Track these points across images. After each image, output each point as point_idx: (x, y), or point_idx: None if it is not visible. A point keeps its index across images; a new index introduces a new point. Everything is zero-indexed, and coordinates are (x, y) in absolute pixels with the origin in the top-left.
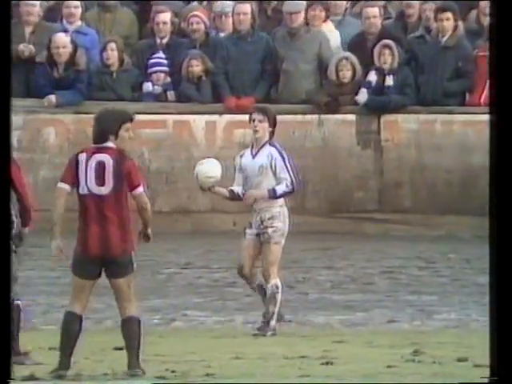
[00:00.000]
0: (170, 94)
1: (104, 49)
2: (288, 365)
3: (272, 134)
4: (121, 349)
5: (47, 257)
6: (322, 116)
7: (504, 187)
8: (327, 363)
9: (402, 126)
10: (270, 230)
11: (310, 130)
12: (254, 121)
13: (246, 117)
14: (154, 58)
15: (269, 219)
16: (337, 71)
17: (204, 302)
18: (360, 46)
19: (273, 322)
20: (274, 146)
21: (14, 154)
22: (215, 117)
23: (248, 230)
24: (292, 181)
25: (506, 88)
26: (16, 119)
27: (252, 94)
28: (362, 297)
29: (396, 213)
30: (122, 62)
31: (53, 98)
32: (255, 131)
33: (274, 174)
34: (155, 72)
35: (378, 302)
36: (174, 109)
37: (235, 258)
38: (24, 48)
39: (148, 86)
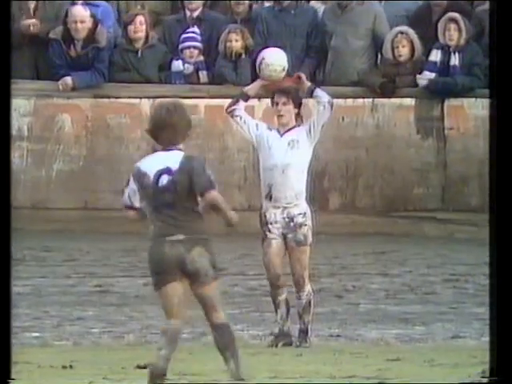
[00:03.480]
0: (203, 75)
1: (131, 22)
2: None
3: (298, 115)
4: (144, 367)
5: (61, 262)
6: (376, 100)
7: (505, 184)
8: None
9: (469, 112)
10: (305, 229)
11: (361, 116)
12: (277, 104)
13: None
14: (187, 32)
15: (300, 216)
16: (392, 48)
17: (239, 314)
18: (424, 19)
19: (310, 333)
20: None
21: (24, 144)
22: (253, 101)
23: (272, 234)
24: (330, 103)
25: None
26: (26, 104)
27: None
28: (422, 308)
29: (461, 212)
30: (148, 38)
31: (69, 79)
32: (280, 116)
33: (309, 135)
34: (188, 48)
35: (440, 314)
36: (207, 92)
37: None
38: (28, 23)
39: (178, 65)
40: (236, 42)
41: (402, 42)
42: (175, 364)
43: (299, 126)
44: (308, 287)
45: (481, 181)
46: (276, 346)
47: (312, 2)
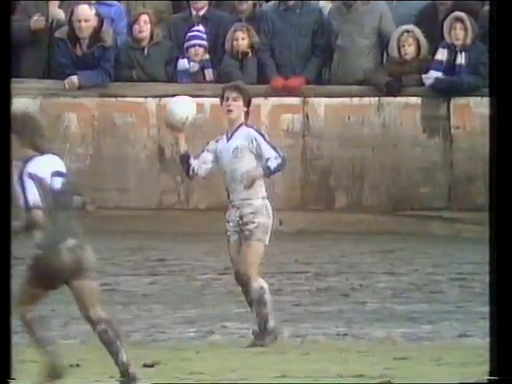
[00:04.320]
0: (208, 73)
1: (136, 21)
2: None
3: (247, 114)
4: (151, 366)
5: None
6: (382, 99)
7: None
8: (388, 383)
9: (475, 111)
10: (251, 226)
11: (367, 114)
12: (227, 99)
13: (294, 100)
14: (193, 30)
15: (250, 214)
16: (398, 47)
17: (246, 313)
18: (430, 18)
19: (270, 324)
20: (251, 126)
21: None
22: (259, 100)
23: (229, 232)
24: (279, 155)
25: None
26: (33, 103)
27: (301, 73)
28: (429, 307)
29: (468, 211)
30: (153, 37)
31: (75, 78)
32: (229, 111)
33: (256, 155)
34: (193, 46)
35: (447, 313)
36: (212, 90)
37: (280, 262)
38: (36, 20)
39: (184, 63)
40: (242, 40)
41: (408, 41)
42: (182, 363)
43: (247, 127)
44: (257, 283)
45: (487, 180)
46: (276, 334)
47: (317, 1)
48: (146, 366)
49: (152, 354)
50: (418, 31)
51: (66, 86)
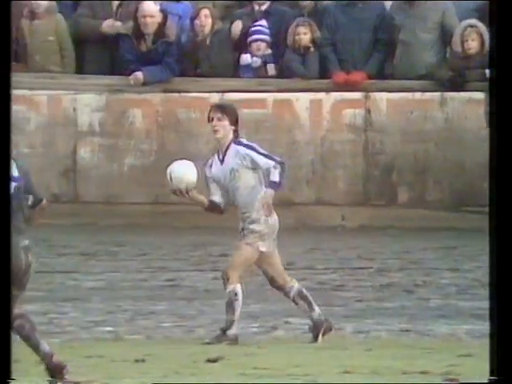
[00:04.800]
0: (270, 68)
1: (197, 16)
2: (407, 381)
3: (236, 132)
4: (214, 361)
5: (132, 256)
6: (445, 93)
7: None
8: (452, 380)
9: None
10: (245, 231)
11: (430, 109)
12: (212, 120)
13: (356, 95)
14: (255, 25)
15: (249, 223)
16: (462, 42)
17: None
18: None
19: (231, 331)
20: (239, 143)
21: (95, 139)
22: (321, 95)
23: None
24: (276, 162)
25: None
26: (99, 99)
27: (363, 68)
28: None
29: None
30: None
31: (140, 74)
32: (215, 131)
33: (253, 170)
34: (255, 41)
35: None
36: (275, 86)
37: (343, 258)
38: (109, 27)
39: (246, 58)
40: (304, 35)
41: (472, 36)
42: (245, 358)
43: (235, 145)
44: (232, 287)
45: None
46: (316, 339)
47: None
48: (209, 361)
49: (215, 350)
50: (481, 26)
51: (131, 81)
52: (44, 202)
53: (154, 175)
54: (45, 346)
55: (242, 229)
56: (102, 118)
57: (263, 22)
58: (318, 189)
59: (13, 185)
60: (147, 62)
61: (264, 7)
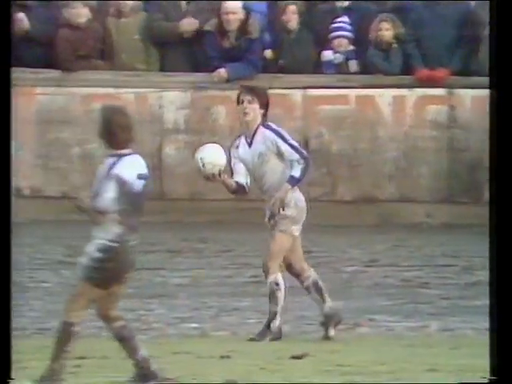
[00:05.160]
0: (352, 64)
1: (283, 12)
2: (491, 380)
3: (265, 116)
4: (299, 357)
5: (217, 253)
6: None
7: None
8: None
9: None
10: (277, 217)
11: None
12: (242, 102)
13: (440, 91)
14: (337, 21)
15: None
16: None
17: (393, 305)
18: None
19: (275, 324)
20: (268, 127)
21: (180, 137)
22: (404, 91)
23: (267, 224)
24: (301, 156)
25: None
26: (184, 97)
27: (447, 64)
28: None
29: None
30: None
31: (223, 71)
32: (245, 114)
33: (279, 157)
34: (337, 37)
35: None
36: (357, 82)
37: (427, 255)
38: (189, 25)
39: (328, 54)
40: (387, 31)
41: None
42: (330, 355)
43: (264, 128)
44: (273, 277)
45: None
46: (328, 335)
47: None
48: (294, 357)
49: (301, 346)
50: None
51: (215, 78)
52: None
53: None
54: (144, 351)
55: (272, 215)
56: (187, 115)
57: (345, 19)
58: (401, 185)
59: (141, 182)
60: (230, 59)
61: (346, 3)
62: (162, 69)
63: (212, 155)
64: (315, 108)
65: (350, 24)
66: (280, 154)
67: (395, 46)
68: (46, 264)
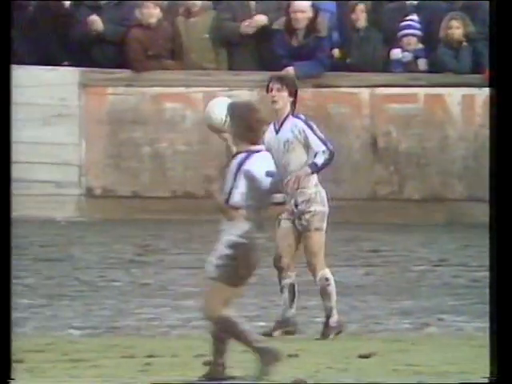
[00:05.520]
0: (421, 62)
1: (353, 11)
2: None
3: (294, 104)
4: (366, 357)
5: None
6: None
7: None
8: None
9: None
10: (307, 215)
11: None
12: (271, 90)
13: None
14: (406, 20)
15: (304, 202)
16: None
17: (462, 305)
18: None
19: (333, 319)
20: (297, 117)
21: None
22: (474, 90)
23: (282, 218)
24: (327, 148)
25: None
26: (251, 95)
27: None
28: None
29: None
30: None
31: (291, 69)
32: (273, 102)
33: (305, 147)
34: (406, 35)
35: None
36: (426, 80)
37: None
38: (246, 26)
39: (397, 53)
40: (457, 29)
41: None
42: (398, 355)
43: (294, 117)
44: (322, 273)
45: None
46: (271, 334)
47: None
48: (361, 356)
49: (368, 345)
50: None
51: None
52: (284, 201)
53: None
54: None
55: (298, 210)
56: None
57: (414, 17)
58: (470, 185)
59: (268, 179)
60: (298, 57)
61: (416, 1)
62: (231, 67)
63: (219, 106)
64: (383, 106)
65: (419, 22)
66: (306, 145)
67: (465, 44)
68: (117, 263)
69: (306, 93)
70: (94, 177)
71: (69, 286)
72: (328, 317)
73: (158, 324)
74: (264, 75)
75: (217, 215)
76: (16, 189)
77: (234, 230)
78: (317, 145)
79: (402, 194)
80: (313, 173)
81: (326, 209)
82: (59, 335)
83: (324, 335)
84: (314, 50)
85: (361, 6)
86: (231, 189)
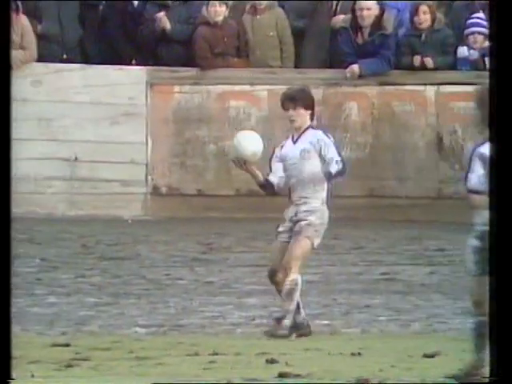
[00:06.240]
0: (488, 61)
1: (416, 12)
2: None
3: (312, 115)
4: (431, 356)
5: (348, 250)
6: None
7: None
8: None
9: None
10: (302, 223)
11: None
12: (287, 110)
13: None
14: (473, 17)
15: (305, 212)
16: None
17: None
18: None
19: (286, 322)
20: (318, 129)
21: None
22: None
23: (281, 228)
24: (341, 159)
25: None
26: (316, 93)
27: None
28: None
29: None
30: (433, 25)
31: (356, 67)
32: (291, 121)
33: (321, 156)
34: (472, 33)
35: None
36: None
37: None
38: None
39: (463, 51)
40: None
41: None
42: (463, 354)
43: (314, 129)
44: (294, 276)
45: None
46: (288, 336)
47: None
48: (426, 356)
49: (433, 345)
50: None
51: (348, 74)
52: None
53: (369, 168)
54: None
55: (297, 218)
56: (319, 111)
57: (481, 14)
58: None
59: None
60: (364, 55)
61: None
62: (296, 65)
63: (241, 143)
64: (449, 104)
65: (487, 20)
66: (322, 155)
67: None
68: (182, 261)
69: (371, 90)
70: (159, 175)
71: (134, 285)
72: (282, 318)
73: (221, 322)
74: (329, 73)
75: (279, 213)
76: (83, 188)
77: (479, 219)
78: (332, 154)
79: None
80: (325, 179)
81: (323, 226)
82: (125, 333)
83: (270, 332)
84: (379, 47)
85: (424, 8)
86: (467, 173)
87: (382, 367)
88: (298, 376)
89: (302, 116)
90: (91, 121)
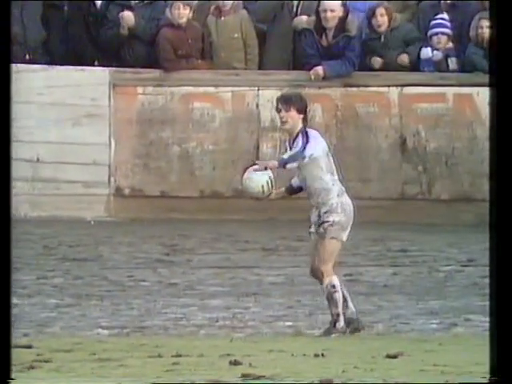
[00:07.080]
0: (451, 61)
1: (373, 15)
2: None
3: (305, 120)
4: (394, 357)
5: None
6: None
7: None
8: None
9: None
10: (325, 225)
11: None
12: (280, 111)
13: None
14: (436, 18)
15: (325, 213)
16: None
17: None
18: None
19: (340, 324)
20: (310, 131)
21: (277, 135)
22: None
23: (311, 229)
24: (302, 152)
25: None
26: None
27: None
28: None
29: None
30: (390, 26)
31: (320, 69)
32: (283, 122)
33: (325, 156)
34: (436, 34)
35: None
36: (456, 80)
37: None
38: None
39: (427, 52)
40: (487, 28)
41: None
42: (425, 355)
43: (304, 134)
44: (328, 280)
45: None
46: (344, 333)
47: None
48: (389, 356)
49: (395, 345)
50: None
51: (312, 76)
52: None
53: None
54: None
55: (320, 220)
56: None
57: (445, 15)
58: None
59: None
60: (328, 57)
61: (450, 0)
62: (260, 67)
63: (249, 186)
64: (412, 106)
65: (451, 21)
66: (325, 154)
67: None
68: (145, 263)
69: (334, 92)
70: (122, 177)
71: (97, 286)
72: (334, 322)
73: (185, 323)
74: (293, 75)
75: (242, 215)
76: (45, 189)
77: None
78: (296, 145)
79: (431, 194)
80: (279, 166)
81: (347, 218)
82: (87, 335)
83: (326, 334)
84: (343, 49)
85: (381, 10)
86: None
87: (345, 368)
88: (261, 377)
89: (294, 119)
90: (54, 122)
